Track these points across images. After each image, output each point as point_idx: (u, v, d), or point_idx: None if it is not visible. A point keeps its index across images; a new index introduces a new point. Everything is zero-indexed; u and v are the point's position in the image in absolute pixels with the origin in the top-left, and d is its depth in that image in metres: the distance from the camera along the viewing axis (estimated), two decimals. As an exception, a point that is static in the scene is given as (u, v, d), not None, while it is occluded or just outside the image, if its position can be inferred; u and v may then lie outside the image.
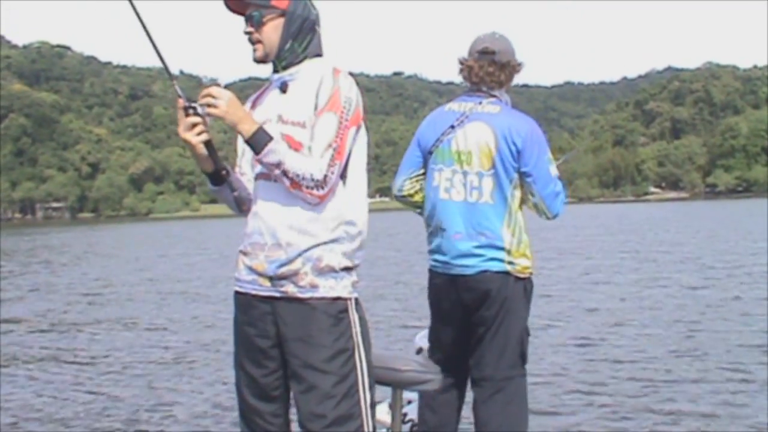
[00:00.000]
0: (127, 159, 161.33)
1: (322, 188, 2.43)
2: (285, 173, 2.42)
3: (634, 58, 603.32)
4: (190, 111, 2.45)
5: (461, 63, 3.54)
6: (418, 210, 3.67)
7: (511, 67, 3.49)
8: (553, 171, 3.43)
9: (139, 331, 10.14)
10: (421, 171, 3.59)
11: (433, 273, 3.58)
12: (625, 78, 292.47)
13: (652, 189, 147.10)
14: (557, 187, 3.45)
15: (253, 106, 2.69)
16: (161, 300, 13.61)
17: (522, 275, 3.42)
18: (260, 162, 2.47)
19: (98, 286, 16.54)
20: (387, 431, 3.36)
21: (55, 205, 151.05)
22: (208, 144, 2.50)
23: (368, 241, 2.54)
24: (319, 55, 2.62)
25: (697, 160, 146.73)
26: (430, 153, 3.51)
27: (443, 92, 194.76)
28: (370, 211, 2.63)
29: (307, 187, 2.43)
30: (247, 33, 2.55)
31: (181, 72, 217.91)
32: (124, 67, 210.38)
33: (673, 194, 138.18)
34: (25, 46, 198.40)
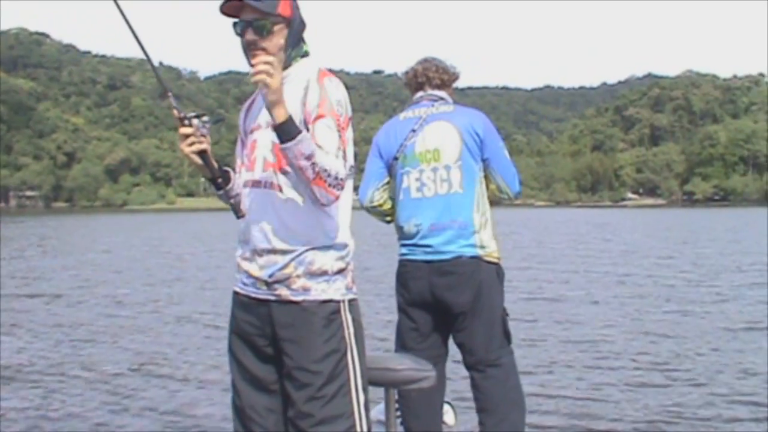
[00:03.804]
0: (103, 149, 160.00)
1: (341, 188, 2.41)
2: (314, 165, 2.31)
3: (614, 63, 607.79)
4: (185, 122, 2.42)
5: (406, 73, 3.84)
6: (387, 218, 3.82)
7: (450, 72, 3.82)
8: (508, 155, 3.72)
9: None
10: (386, 180, 3.76)
11: (404, 261, 3.69)
12: (604, 83, 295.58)
13: (630, 195, 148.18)
14: (513, 169, 3.73)
15: (247, 113, 2.69)
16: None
17: (492, 259, 3.61)
18: (286, 152, 2.32)
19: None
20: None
21: (29, 193, 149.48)
22: (203, 154, 2.46)
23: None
24: (306, 54, 2.59)
25: (675, 168, 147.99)
26: (396, 159, 3.69)
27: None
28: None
29: (330, 185, 2.36)
30: (249, 41, 2.45)
31: (161, 63, 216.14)
32: (103, 56, 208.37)
33: (650, 201, 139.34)
34: (2, 32, 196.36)
